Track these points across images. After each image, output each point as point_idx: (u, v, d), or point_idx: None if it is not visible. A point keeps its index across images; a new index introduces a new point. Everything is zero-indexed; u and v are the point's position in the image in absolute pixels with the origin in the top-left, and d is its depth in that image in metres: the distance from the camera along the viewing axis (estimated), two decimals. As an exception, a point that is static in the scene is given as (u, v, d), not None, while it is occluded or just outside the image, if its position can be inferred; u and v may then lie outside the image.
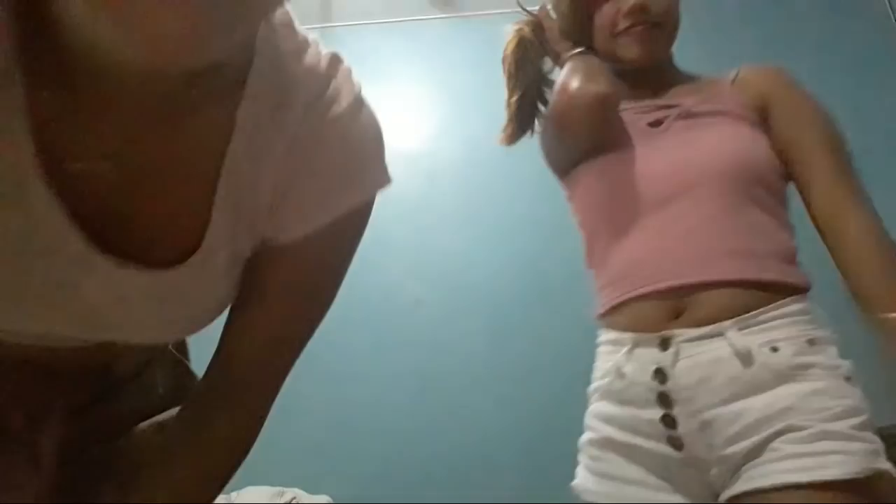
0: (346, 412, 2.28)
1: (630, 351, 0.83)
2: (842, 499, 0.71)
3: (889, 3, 2.68)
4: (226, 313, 0.58)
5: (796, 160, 0.91)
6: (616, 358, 0.85)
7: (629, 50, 0.95)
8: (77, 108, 0.39)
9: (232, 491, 2.04)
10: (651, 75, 1.00)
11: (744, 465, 0.76)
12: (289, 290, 0.57)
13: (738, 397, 0.78)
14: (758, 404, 0.77)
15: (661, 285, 0.83)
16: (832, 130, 0.98)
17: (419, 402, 2.29)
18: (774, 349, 0.80)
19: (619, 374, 0.84)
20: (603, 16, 0.96)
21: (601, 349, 0.92)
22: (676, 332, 0.81)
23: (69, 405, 0.62)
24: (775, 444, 0.74)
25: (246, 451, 0.61)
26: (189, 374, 0.76)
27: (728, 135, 0.90)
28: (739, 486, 0.75)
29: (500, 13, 2.88)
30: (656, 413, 0.81)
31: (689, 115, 0.94)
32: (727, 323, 0.80)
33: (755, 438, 0.75)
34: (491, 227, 2.39)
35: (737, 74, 1.06)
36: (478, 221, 2.37)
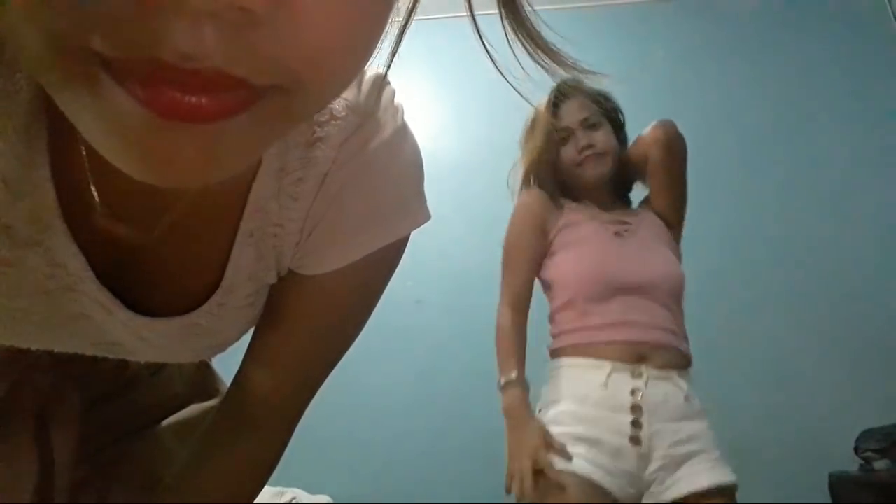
0: (346, 412, 2.28)
1: (610, 374, 1.21)
2: (729, 498, 1.17)
3: (889, 4, 2.68)
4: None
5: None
6: (598, 375, 1.21)
7: (588, 174, 1.41)
8: (100, 161, 0.38)
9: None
10: (604, 193, 1.44)
11: (674, 469, 1.17)
12: (315, 318, 0.55)
13: (679, 419, 1.20)
14: (687, 428, 1.20)
15: (633, 338, 1.24)
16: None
17: (419, 402, 2.30)
18: (691, 397, 1.24)
19: (602, 386, 1.20)
20: (565, 153, 1.42)
21: (571, 370, 1.26)
22: (644, 368, 1.21)
23: (84, 398, 0.61)
24: (694, 460, 1.18)
25: (268, 475, 0.60)
26: (208, 368, 0.74)
27: (669, 259, 1.36)
28: (673, 490, 1.16)
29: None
30: (627, 417, 1.18)
31: (638, 231, 1.39)
32: (674, 372, 1.23)
33: (683, 450, 1.18)
34: (491, 228, 2.40)
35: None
36: (478, 221, 2.38)
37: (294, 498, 2.03)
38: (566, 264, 1.34)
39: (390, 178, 0.51)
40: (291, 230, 0.47)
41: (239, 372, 0.57)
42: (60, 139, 0.38)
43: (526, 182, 1.48)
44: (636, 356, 1.22)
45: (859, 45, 2.64)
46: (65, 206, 0.39)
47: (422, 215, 0.56)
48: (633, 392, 1.19)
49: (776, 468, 2.03)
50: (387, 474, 2.21)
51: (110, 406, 0.64)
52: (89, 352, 0.50)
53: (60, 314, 0.44)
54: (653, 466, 1.17)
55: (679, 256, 1.43)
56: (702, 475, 1.15)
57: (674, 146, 1.41)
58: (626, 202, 1.52)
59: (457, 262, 2.37)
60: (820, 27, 2.69)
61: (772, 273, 2.34)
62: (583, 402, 1.21)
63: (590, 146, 1.39)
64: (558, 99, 1.43)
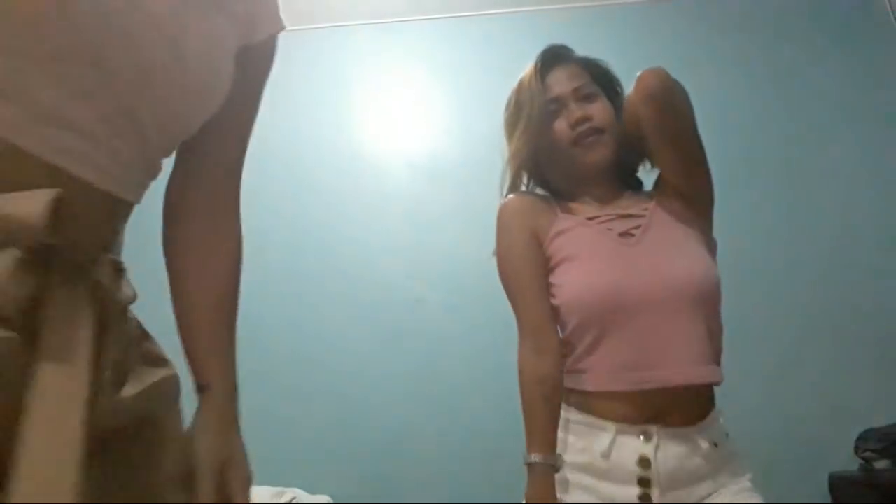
0: (346, 412, 2.28)
1: (614, 439, 1.01)
2: None
3: (889, 4, 2.68)
4: None
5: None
6: (600, 442, 1.02)
7: (585, 156, 1.14)
8: None
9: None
10: (607, 180, 1.18)
11: None
12: (252, 93, 0.74)
13: (697, 481, 1.00)
14: (707, 486, 1.00)
15: (645, 386, 1.00)
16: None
17: (419, 401, 2.29)
18: (716, 445, 1.01)
19: (604, 455, 1.01)
20: (556, 131, 1.15)
21: (575, 426, 1.07)
22: (656, 429, 1.00)
23: None
24: None
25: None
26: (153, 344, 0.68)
27: (695, 258, 1.07)
28: None
29: (501, 13, 2.89)
30: (635, 491, 0.99)
31: (651, 226, 1.11)
32: (693, 428, 1.01)
33: None
34: (491, 228, 2.39)
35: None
36: (478, 221, 2.37)
37: (294, 498, 2.03)
38: (563, 286, 1.09)
39: None
40: None
41: (196, 158, 0.73)
42: None
43: (516, 178, 1.22)
44: (646, 414, 1.00)
45: (859, 45, 2.63)
46: None
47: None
48: (640, 461, 0.99)
49: (776, 468, 2.03)
50: (387, 474, 2.21)
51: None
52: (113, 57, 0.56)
53: None
54: None
55: (712, 248, 1.13)
56: None
57: (668, 97, 1.10)
58: (635, 186, 1.26)
59: (457, 262, 2.37)
60: (820, 27, 2.69)
61: (772, 273, 2.34)
62: (586, 470, 1.03)
63: (586, 119, 1.13)
64: (545, 66, 1.19)
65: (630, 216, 1.12)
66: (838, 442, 2.02)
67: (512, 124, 1.20)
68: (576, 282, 1.08)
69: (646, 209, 1.13)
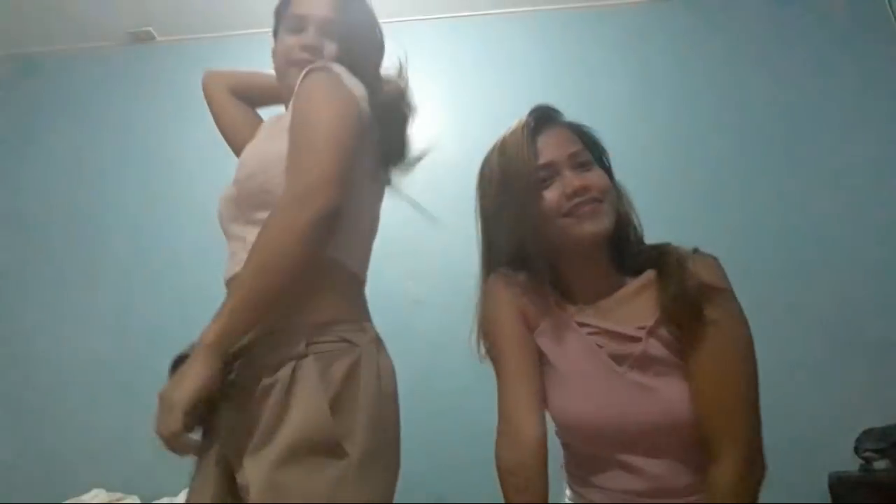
0: (346, 412, 2.27)
1: None
2: None
3: (889, 4, 2.68)
4: None
5: (710, 413, 0.91)
6: None
7: (581, 227, 1.00)
8: None
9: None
10: (601, 263, 1.05)
11: None
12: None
13: None
14: None
15: None
16: (751, 374, 0.93)
17: (418, 402, 2.28)
18: None
19: None
20: (547, 201, 1.01)
21: None
22: None
23: None
24: None
25: None
26: None
27: (678, 395, 0.94)
28: None
29: (501, 13, 2.89)
30: None
31: (644, 359, 0.97)
32: None
33: None
34: (491, 228, 2.39)
35: (665, 267, 1.00)
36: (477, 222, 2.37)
37: (294, 498, 2.03)
38: (551, 399, 1.03)
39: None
40: None
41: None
42: None
43: (489, 264, 1.15)
44: None
45: (859, 45, 2.63)
46: None
47: None
48: None
49: (776, 468, 2.02)
50: (387, 474, 2.20)
51: None
52: None
53: None
54: None
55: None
56: None
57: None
58: (624, 270, 1.08)
59: (457, 262, 2.36)
60: (819, 27, 2.69)
61: (772, 273, 2.34)
62: None
63: (585, 189, 0.99)
64: (535, 128, 1.05)
65: (626, 338, 0.98)
66: (838, 442, 2.02)
67: (493, 197, 1.10)
68: (561, 397, 1.01)
69: (641, 330, 0.97)
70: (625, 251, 1.07)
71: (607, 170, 1.10)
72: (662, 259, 1.01)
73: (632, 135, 2.38)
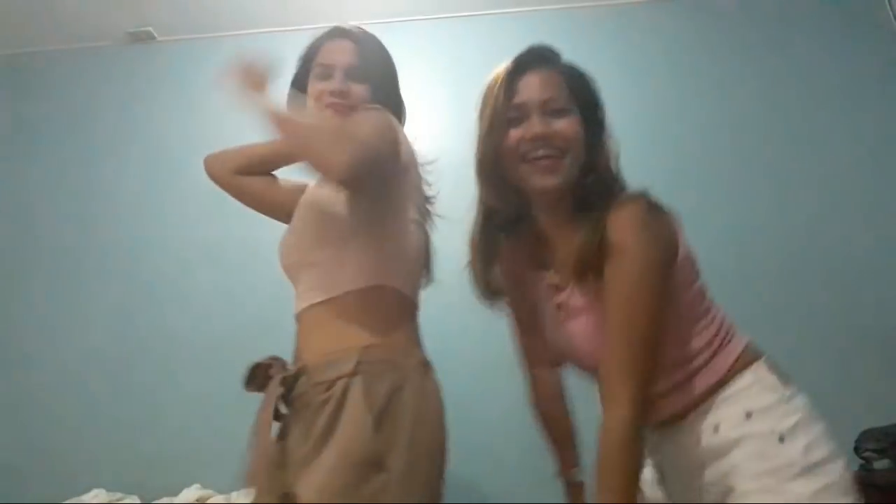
0: (346, 412, 2.27)
1: None
2: None
3: (889, 4, 2.68)
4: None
5: (602, 366, 0.96)
6: None
7: (535, 180, 1.02)
8: None
9: (232, 491, 2.04)
10: (560, 210, 1.06)
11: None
12: None
13: (696, 466, 0.97)
14: (708, 475, 0.96)
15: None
16: (635, 337, 0.94)
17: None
18: (716, 429, 0.97)
19: None
20: (510, 139, 1.03)
21: None
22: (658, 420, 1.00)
23: None
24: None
25: None
26: None
27: (586, 341, 1.02)
28: None
29: (501, 13, 2.88)
30: (650, 472, 1.07)
31: (567, 308, 1.06)
32: (689, 417, 0.99)
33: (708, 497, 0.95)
34: (491, 228, 2.39)
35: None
36: (478, 221, 2.37)
37: (294, 498, 2.03)
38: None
39: None
40: None
41: None
42: None
43: (481, 184, 1.18)
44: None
45: (859, 45, 2.64)
46: None
47: None
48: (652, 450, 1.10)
49: (776, 468, 2.03)
50: (387, 474, 2.20)
51: None
52: None
53: None
54: None
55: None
56: None
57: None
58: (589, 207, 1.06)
59: (457, 261, 2.37)
60: (819, 27, 2.69)
61: (771, 273, 2.34)
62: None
63: (543, 137, 1.00)
64: (520, 67, 1.05)
65: (556, 287, 1.08)
66: (838, 442, 2.02)
67: (477, 121, 1.14)
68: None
69: (568, 281, 1.03)
70: (591, 201, 1.02)
71: (596, 122, 1.07)
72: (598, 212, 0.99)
73: (632, 135, 2.38)
